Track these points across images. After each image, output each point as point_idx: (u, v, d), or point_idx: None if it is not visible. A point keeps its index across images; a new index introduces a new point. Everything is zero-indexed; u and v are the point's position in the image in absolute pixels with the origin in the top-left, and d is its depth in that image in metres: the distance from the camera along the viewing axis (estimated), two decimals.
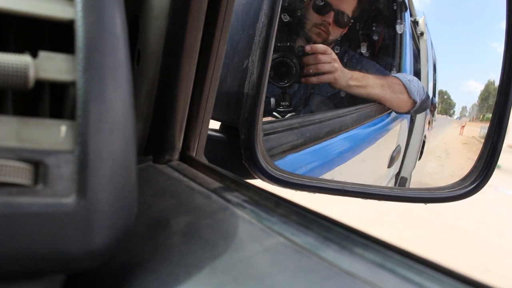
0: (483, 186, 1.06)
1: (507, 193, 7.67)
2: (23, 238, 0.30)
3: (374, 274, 0.33)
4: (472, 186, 1.06)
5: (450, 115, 1.64)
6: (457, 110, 1.63)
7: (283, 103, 1.20)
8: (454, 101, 1.61)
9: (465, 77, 1.60)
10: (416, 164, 1.57)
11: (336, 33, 1.27)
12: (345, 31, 1.29)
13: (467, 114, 1.64)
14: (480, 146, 1.44)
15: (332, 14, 1.24)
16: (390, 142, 1.52)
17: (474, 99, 1.63)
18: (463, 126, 1.59)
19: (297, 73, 1.16)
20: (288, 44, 1.18)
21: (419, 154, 1.60)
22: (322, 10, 1.24)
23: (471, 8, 1.56)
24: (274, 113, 1.19)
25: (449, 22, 1.51)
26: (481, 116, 1.65)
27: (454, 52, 1.53)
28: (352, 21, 1.28)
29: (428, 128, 1.63)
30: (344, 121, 1.29)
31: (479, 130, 1.60)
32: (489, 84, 1.59)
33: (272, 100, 1.19)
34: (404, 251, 0.35)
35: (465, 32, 1.55)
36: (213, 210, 0.44)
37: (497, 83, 1.46)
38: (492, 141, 1.07)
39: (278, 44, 1.13)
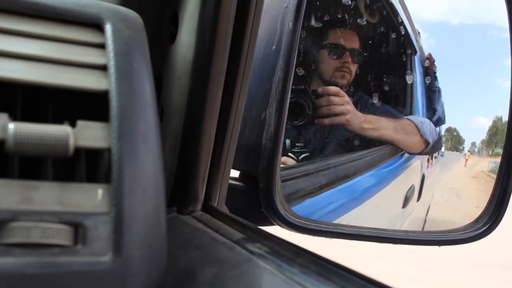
0: (495, 228, 1.07)
1: None
2: None
3: None
4: (485, 228, 1.07)
5: (459, 151, 1.65)
6: (466, 146, 1.64)
7: (298, 144, 1.21)
8: (463, 137, 1.62)
9: (473, 114, 1.61)
10: (415, 206, 1.57)
11: (354, 70, 1.30)
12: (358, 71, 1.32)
13: (476, 150, 1.65)
14: (488, 179, 1.45)
15: (347, 53, 1.27)
16: (404, 182, 1.52)
17: (483, 135, 1.64)
18: (467, 159, 1.61)
19: (310, 113, 1.18)
20: (302, 87, 1.21)
21: (417, 195, 1.60)
22: (337, 53, 1.27)
23: (475, 47, 1.58)
24: (290, 154, 1.21)
25: (455, 60, 1.53)
26: (490, 151, 1.66)
27: (462, 89, 1.54)
28: (365, 54, 1.30)
29: (427, 166, 1.64)
30: (358, 165, 1.30)
31: (487, 164, 1.62)
32: (496, 120, 1.60)
33: (287, 141, 1.21)
34: None
35: (471, 70, 1.56)
36: (237, 262, 0.46)
37: (504, 118, 1.48)
38: (502, 184, 1.08)
39: (293, 87, 1.15)
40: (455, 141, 1.62)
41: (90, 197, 0.34)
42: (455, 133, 1.60)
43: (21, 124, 0.33)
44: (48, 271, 0.31)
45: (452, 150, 1.63)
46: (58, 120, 0.36)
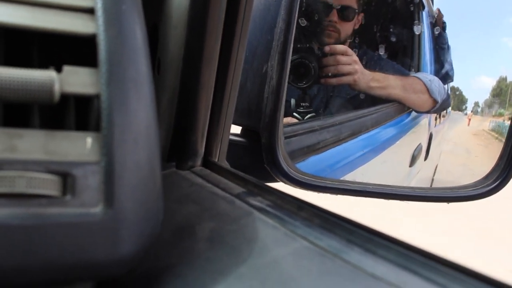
0: (505, 184, 1.05)
1: None
2: (54, 247, 0.30)
3: (397, 276, 0.33)
4: (495, 184, 1.05)
5: (462, 111, 1.64)
6: (469, 106, 1.63)
7: (303, 104, 1.20)
8: (466, 96, 1.60)
9: (476, 73, 1.59)
10: (422, 165, 1.56)
11: (346, 28, 1.27)
12: (356, 27, 1.29)
13: (479, 110, 1.64)
14: (488, 136, 1.46)
15: (334, 11, 1.24)
16: (411, 141, 1.51)
17: (486, 95, 1.63)
18: (469, 119, 1.62)
19: (315, 74, 1.16)
20: (308, 45, 1.18)
21: (424, 153, 1.60)
22: (325, 11, 1.24)
23: (480, 4, 1.55)
24: (295, 113, 1.19)
25: (459, 18, 1.50)
26: (494, 112, 1.65)
27: (465, 47, 1.52)
28: (357, 11, 1.27)
29: (435, 125, 1.63)
30: (364, 122, 1.29)
31: (488, 124, 1.63)
32: (500, 80, 1.58)
33: (292, 101, 1.19)
34: (428, 252, 0.35)
35: (475, 28, 1.54)
36: (237, 216, 0.45)
37: (509, 79, 1.46)
38: None
39: (298, 46, 1.13)
40: (458, 101, 1.61)
41: (79, 146, 0.32)
42: (457, 93, 1.59)
43: (3, 68, 0.31)
44: (35, 223, 0.30)
45: (455, 110, 1.62)
46: (43, 66, 0.34)
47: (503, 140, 1.52)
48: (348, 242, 0.39)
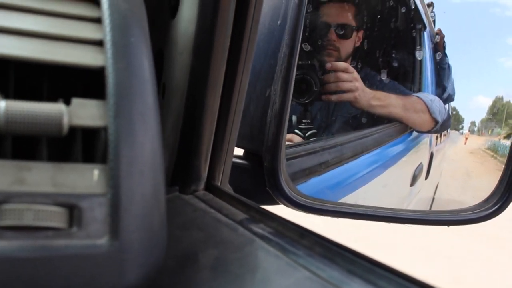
0: (505, 207, 1.05)
1: None
2: (61, 279, 0.31)
3: None
4: (495, 207, 1.05)
5: (458, 130, 1.65)
6: (466, 125, 1.64)
7: (305, 120, 1.20)
8: (463, 116, 1.61)
9: (473, 93, 1.60)
10: (423, 184, 1.57)
11: (346, 46, 1.28)
12: (357, 44, 1.29)
13: (475, 129, 1.66)
14: (484, 154, 1.47)
15: (332, 30, 1.25)
16: (412, 161, 1.51)
17: (483, 114, 1.64)
18: (467, 138, 1.64)
19: (317, 90, 1.17)
20: (310, 62, 1.19)
21: (425, 173, 1.60)
22: (324, 31, 1.25)
23: (476, 24, 1.56)
24: (296, 130, 1.20)
25: (457, 39, 1.51)
26: (490, 131, 1.67)
27: (463, 68, 1.53)
28: (355, 28, 1.28)
29: (436, 144, 1.64)
30: (365, 143, 1.29)
31: (485, 143, 1.65)
32: (497, 100, 1.59)
33: (294, 118, 1.19)
34: (428, 285, 0.36)
35: (472, 48, 1.54)
36: (240, 244, 0.45)
37: (505, 99, 1.47)
38: None
39: (300, 63, 1.14)
40: (455, 120, 1.62)
41: (86, 178, 0.33)
42: (454, 112, 1.59)
43: (13, 102, 0.31)
44: (42, 255, 0.30)
45: (451, 129, 1.63)
46: (52, 99, 0.34)
47: (498, 157, 1.54)
48: (349, 273, 0.39)
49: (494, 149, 1.71)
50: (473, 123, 1.66)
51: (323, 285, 0.38)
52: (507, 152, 1.44)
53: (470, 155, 1.74)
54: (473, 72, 1.57)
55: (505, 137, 1.67)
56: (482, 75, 1.60)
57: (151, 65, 0.38)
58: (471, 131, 1.66)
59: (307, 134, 1.21)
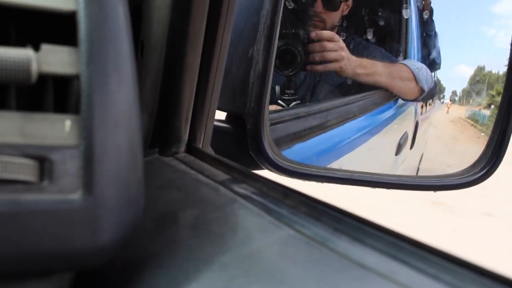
0: (493, 173, 1.05)
1: None
2: (31, 236, 0.29)
3: (386, 265, 0.33)
4: (482, 172, 1.05)
5: (440, 99, 1.66)
6: (447, 94, 1.64)
7: (288, 91, 1.19)
8: (444, 85, 1.62)
9: (455, 61, 1.60)
10: (408, 154, 1.57)
11: (332, 17, 1.26)
12: (345, 13, 1.28)
13: (457, 99, 1.67)
14: (464, 123, 1.49)
15: (319, 1, 1.23)
16: (397, 129, 1.51)
17: (464, 83, 1.65)
18: (448, 107, 1.66)
19: (302, 61, 1.15)
20: (294, 31, 1.17)
21: (410, 142, 1.61)
22: (310, 1, 1.23)
23: None
24: (279, 101, 1.18)
25: (438, 5, 1.50)
26: (470, 100, 1.68)
27: (445, 35, 1.52)
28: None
29: (421, 113, 1.64)
30: (351, 109, 1.28)
31: (465, 112, 1.67)
32: (478, 70, 1.60)
33: (277, 88, 1.18)
34: (417, 241, 0.35)
35: (456, 16, 1.54)
36: (221, 203, 0.44)
37: (487, 68, 1.47)
38: (501, 126, 1.05)
39: (284, 31, 1.12)
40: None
41: (57, 129, 0.31)
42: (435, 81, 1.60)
43: None
44: (11, 210, 0.28)
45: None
46: (20, 44, 0.32)
47: (478, 126, 1.56)
48: (335, 230, 0.38)
49: (474, 118, 1.73)
50: (454, 93, 1.67)
51: (308, 243, 0.36)
52: (486, 121, 1.46)
53: (451, 123, 1.77)
54: (456, 41, 1.56)
55: (485, 107, 1.69)
56: (465, 43, 1.59)
57: (126, 12, 0.36)
58: (453, 101, 1.67)
59: (290, 105, 1.19)
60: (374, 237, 0.36)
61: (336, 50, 1.19)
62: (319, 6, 1.23)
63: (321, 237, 0.37)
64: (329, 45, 1.18)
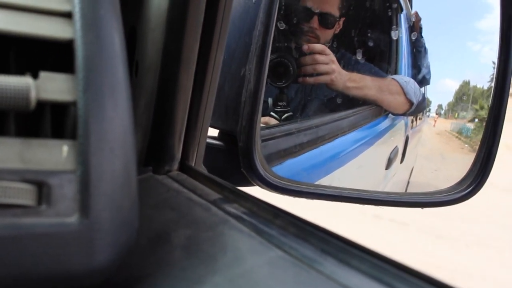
0: (479, 189, 1.06)
1: None
2: (28, 258, 0.30)
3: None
4: (469, 189, 1.06)
5: (425, 113, 1.67)
6: (433, 108, 1.66)
7: (281, 103, 1.19)
8: (430, 99, 1.63)
9: (441, 76, 1.61)
10: (398, 168, 1.59)
11: (326, 35, 1.27)
12: (337, 31, 1.29)
13: (442, 112, 1.68)
14: (449, 135, 1.51)
15: (316, 18, 1.24)
16: (387, 144, 1.52)
17: (450, 97, 1.67)
18: (435, 120, 1.67)
19: (294, 73, 1.16)
20: (286, 44, 1.18)
21: (401, 156, 1.62)
22: (306, 17, 1.24)
23: (446, 8, 1.56)
24: (272, 113, 1.19)
25: (429, 20, 1.51)
26: (456, 114, 1.70)
27: (432, 50, 1.53)
28: (338, 18, 1.27)
29: (412, 128, 1.65)
30: (341, 125, 1.29)
31: (450, 125, 1.71)
32: (463, 84, 1.61)
33: (270, 101, 1.18)
34: (401, 264, 0.36)
35: (442, 31, 1.55)
36: (213, 223, 0.45)
37: (472, 83, 1.49)
38: (487, 145, 1.06)
39: (276, 45, 1.13)
40: None
41: (55, 154, 0.32)
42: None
43: None
44: (9, 233, 0.29)
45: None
46: (20, 73, 0.33)
47: (462, 138, 1.58)
48: (322, 252, 0.39)
49: (458, 131, 1.76)
50: (440, 106, 1.68)
51: (296, 265, 0.37)
52: (469, 134, 1.48)
53: (437, 136, 1.80)
54: (442, 55, 1.58)
55: (469, 121, 1.71)
56: (451, 58, 1.61)
57: (122, 38, 0.37)
58: (439, 114, 1.68)
59: (283, 117, 1.20)
60: (359, 258, 0.37)
61: (327, 63, 1.20)
62: (315, 23, 1.24)
63: (309, 259, 0.38)
64: (320, 57, 1.19)
